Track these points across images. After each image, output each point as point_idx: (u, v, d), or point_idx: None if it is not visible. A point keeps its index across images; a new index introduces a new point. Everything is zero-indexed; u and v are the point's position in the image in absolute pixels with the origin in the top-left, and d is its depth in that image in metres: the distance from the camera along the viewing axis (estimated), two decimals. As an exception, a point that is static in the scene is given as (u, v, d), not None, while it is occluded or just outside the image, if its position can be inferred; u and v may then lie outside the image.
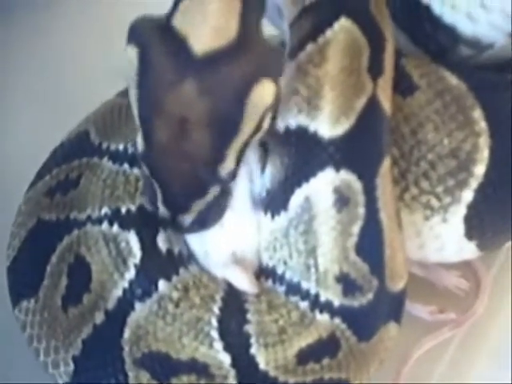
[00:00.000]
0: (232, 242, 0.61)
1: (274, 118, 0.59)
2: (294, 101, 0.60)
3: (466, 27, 0.65)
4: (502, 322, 0.75)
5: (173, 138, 0.55)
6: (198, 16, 0.54)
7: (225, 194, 0.59)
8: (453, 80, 0.64)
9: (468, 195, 0.64)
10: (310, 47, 0.60)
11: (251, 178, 0.61)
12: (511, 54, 0.67)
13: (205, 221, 0.59)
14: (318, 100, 0.59)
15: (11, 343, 0.70)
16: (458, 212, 0.64)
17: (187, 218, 0.58)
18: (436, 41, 0.67)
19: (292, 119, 0.60)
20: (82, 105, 0.70)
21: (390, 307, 0.62)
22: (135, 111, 0.56)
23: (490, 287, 0.76)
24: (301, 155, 0.59)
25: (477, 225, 0.65)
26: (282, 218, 0.60)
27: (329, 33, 0.59)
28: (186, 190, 0.57)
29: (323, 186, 0.59)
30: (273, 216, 0.61)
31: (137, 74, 0.55)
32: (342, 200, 0.59)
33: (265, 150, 0.62)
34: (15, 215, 0.69)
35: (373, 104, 0.59)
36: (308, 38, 0.60)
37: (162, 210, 0.59)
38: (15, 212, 0.69)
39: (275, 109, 0.58)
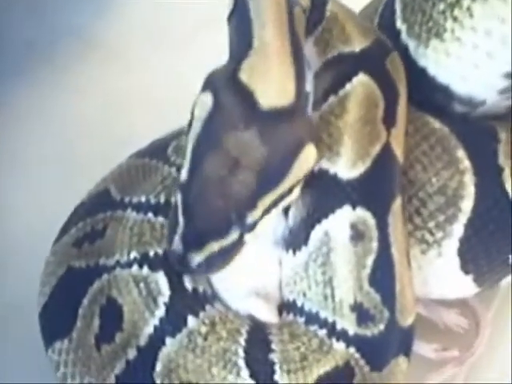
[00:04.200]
0: (253, 277, 0.63)
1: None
2: (316, 147, 0.64)
3: (459, 86, 0.68)
4: (503, 359, 0.77)
5: (220, 174, 0.60)
6: (262, 75, 0.61)
7: (239, 244, 0.61)
8: (436, 124, 0.69)
9: (459, 229, 0.68)
10: (331, 99, 0.65)
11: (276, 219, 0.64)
12: (502, 110, 0.70)
13: (212, 265, 0.61)
14: (338, 147, 0.64)
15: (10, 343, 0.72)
16: (451, 246, 0.68)
17: (196, 258, 0.60)
18: (432, 100, 0.70)
19: None
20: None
21: (400, 341, 0.64)
22: (190, 145, 0.62)
23: (490, 324, 0.78)
24: (321, 195, 0.64)
25: (471, 258, 0.69)
26: (303, 253, 0.63)
27: (348, 87, 0.65)
28: (209, 225, 0.60)
29: (341, 221, 0.63)
30: (294, 252, 0.64)
31: (207, 116, 0.61)
32: (358, 235, 0.62)
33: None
34: (44, 266, 0.71)
35: (386, 151, 0.64)
36: (330, 90, 0.65)
37: (177, 243, 0.60)
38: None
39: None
